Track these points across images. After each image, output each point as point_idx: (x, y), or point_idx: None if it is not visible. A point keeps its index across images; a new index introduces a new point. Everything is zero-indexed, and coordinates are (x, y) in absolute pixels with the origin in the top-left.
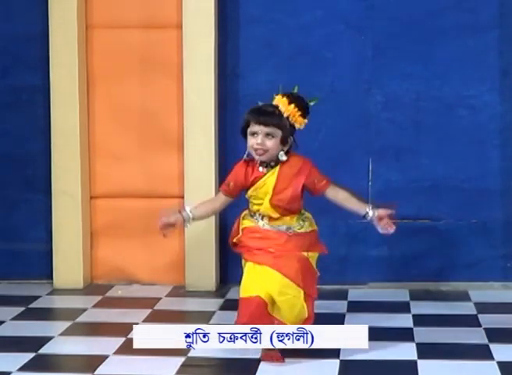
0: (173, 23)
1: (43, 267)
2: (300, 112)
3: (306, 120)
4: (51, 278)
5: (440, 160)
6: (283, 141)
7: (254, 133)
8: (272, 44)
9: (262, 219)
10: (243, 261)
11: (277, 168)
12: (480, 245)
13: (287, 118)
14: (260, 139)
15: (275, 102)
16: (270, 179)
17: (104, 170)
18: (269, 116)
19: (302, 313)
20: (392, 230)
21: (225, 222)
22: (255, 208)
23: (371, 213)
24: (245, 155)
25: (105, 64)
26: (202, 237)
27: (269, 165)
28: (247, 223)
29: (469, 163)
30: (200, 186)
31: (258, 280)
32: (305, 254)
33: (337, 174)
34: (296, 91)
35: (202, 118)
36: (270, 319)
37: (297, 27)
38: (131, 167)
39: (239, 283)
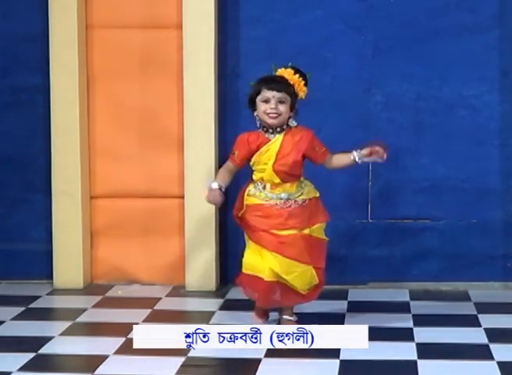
0: (173, 23)
1: (43, 267)
2: (303, 81)
3: (306, 90)
4: (51, 278)
5: (440, 160)
6: (292, 108)
7: (266, 100)
8: (272, 44)
9: (264, 188)
10: (245, 235)
11: (281, 135)
12: (480, 245)
13: (293, 86)
14: (273, 104)
15: (279, 73)
16: (274, 144)
17: (104, 170)
18: (280, 83)
19: (312, 282)
20: (384, 156)
21: (226, 222)
22: (258, 175)
23: (357, 157)
24: (258, 127)
25: (105, 64)
26: (202, 237)
27: (275, 131)
28: (250, 199)
29: (469, 163)
30: (200, 186)
31: (263, 262)
32: (307, 231)
33: (337, 174)
34: (291, 64)
35: (202, 118)
36: (284, 291)
37: (297, 27)
38: (131, 167)
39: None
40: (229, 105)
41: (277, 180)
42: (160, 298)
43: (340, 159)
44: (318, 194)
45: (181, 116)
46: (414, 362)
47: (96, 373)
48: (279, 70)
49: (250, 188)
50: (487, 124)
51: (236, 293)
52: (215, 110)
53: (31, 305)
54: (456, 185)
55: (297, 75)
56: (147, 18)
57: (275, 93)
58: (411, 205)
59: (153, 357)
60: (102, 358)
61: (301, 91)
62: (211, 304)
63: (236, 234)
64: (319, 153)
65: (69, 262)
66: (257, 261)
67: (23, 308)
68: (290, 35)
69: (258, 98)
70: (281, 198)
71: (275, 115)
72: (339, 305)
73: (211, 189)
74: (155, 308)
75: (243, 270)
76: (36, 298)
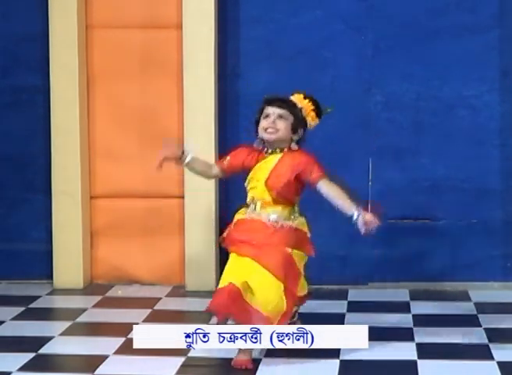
0: (173, 23)
1: (43, 267)
2: (313, 107)
3: (318, 120)
4: (51, 278)
5: (440, 160)
6: (294, 129)
7: (266, 116)
8: (272, 44)
9: (255, 208)
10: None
11: (280, 154)
12: (480, 245)
13: (300, 110)
14: (272, 119)
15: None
16: (270, 162)
17: (104, 170)
18: (283, 101)
19: (280, 306)
20: (372, 230)
21: (225, 222)
22: (250, 195)
23: (356, 217)
24: (256, 143)
25: (105, 64)
26: (202, 237)
27: (274, 151)
28: (238, 216)
29: (469, 163)
30: (200, 186)
31: (237, 269)
32: (289, 250)
33: (337, 174)
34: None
35: (202, 118)
36: (243, 306)
37: (297, 27)
38: (131, 167)
39: None
40: (229, 105)
41: (268, 198)
42: (160, 298)
43: (339, 201)
44: (307, 230)
45: (181, 116)
46: (414, 362)
47: (96, 373)
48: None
49: (241, 210)
50: (487, 124)
51: None
52: (215, 110)
53: (31, 305)
54: (456, 185)
55: (307, 100)
56: (147, 18)
57: (275, 109)
58: (411, 205)
59: (153, 357)
60: (102, 358)
61: (309, 116)
62: None
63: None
64: (312, 177)
65: (69, 262)
66: (230, 270)
67: (23, 308)
68: (290, 35)
69: (261, 122)
70: (269, 219)
71: (272, 130)
72: (339, 305)
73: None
74: (155, 308)
75: (218, 286)
76: (36, 298)
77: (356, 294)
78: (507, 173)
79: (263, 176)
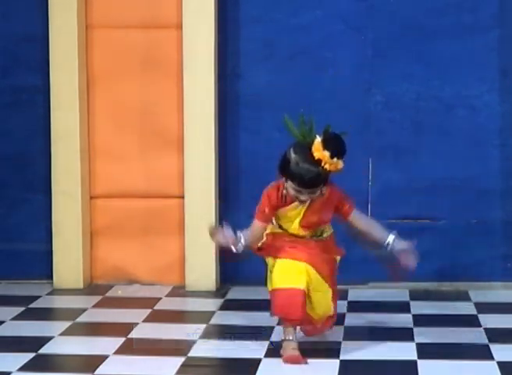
0: (173, 23)
1: (43, 267)
2: (340, 161)
3: (341, 163)
4: (51, 278)
5: (440, 160)
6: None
7: (298, 191)
8: (272, 44)
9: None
10: (268, 260)
11: None
12: (480, 245)
13: (327, 168)
14: (305, 196)
15: (316, 153)
16: (302, 207)
17: (104, 170)
18: (315, 185)
19: (328, 311)
20: (413, 265)
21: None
22: (284, 226)
23: (391, 243)
24: (279, 183)
25: (105, 64)
26: (202, 237)
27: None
28: (272, 229)
29: (469, 163)
30: (200, 186)
31: (297, 273)
32: (337, 257)
33: (337, 174)
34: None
35: (202, 118)
36: (306, 312)
37: (297, 27)
38: (131, 167)
39: (239, 283)
40: (229, 105)
41: (303, 234)
42: (160, 298)
43: (373, 231)
44: (332, 232)
45: (181, 116)
46: (414, 362)
47: (96, 373)
48: (317, 148)
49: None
50: (487, 124)
51: (236, 293)
52: (215, 110)
53: (31, 305)
54: (456, 185)
55: (335, 158)
56: (147, 18)
57: (308, 195)
58: (411, 205)
59: (153, 357)
60: (102, 358)
61: (336, 168)
62: (211, 304)
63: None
64: (343, 210)
65: (69, 262)
66: (291, 272)
67: (23, 308)
68: (290, 35)
69: (290, 184)
70: (304, 236)
71: (305, 202)
72: (339, 305)
73: (236, 241)
74: (155, 308)
75: (274, 286)
76: (36, 298)
77: (356, 294)
78: (507, 173)
79: (296, 217)
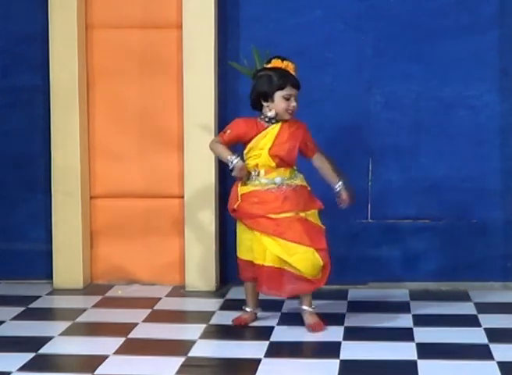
0: (173, 23)
1: (43, 267)
2: (295, 68)
3: None
4: (51, 278)
5: (440, 160)
6: None
7: (288, 98)
8: (272, 44)
9: (258, 174)
10: (238, 223)
11: (279, 124)
12: (480, 245)
13: None
14: (293, 101)
15: (279, 65)
16: (272, 131)
17: (104, 170)
18: (298, 83)
19: (316, 263)
20: (344, 206)
21: (226, 222)
22: (253, 162)
23: (338, 190)
24: (264, 116)
25: (105, 64)
26: (202, 237)
27: (270, 121)
28: (245, 189)
29: (469, 163)
30: (200, 186)
31: (262, 247)
32: (303, 214)
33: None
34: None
35: (202, 118)
36: (288, 278)
37: (297, 27)
38: (131, 167)
39: (239, 283)
40: (229, 105)
41: (272, 164)
42: (160, 298)
43: (327, 175)
44: (307, 186)
45: (181, 115)
46: (414, 362)
47: (96, 373)
48: (276, 62)
49: (240, 183)
50: (487, 124)
51: (236, 293)
52: (215, 110)
53: (31, 305)
54: (456, 185)
55: (292, 65)
56: (147, 18)
57: (295, 91)
58: (411, 205)
59: (153, 357)
60: (102, 358)
61: (294, 71)
62: (211, 304)
63: (236, 234)
64: (309, 148)
65: (68, 262)
66: (259, 248)
67: (22, 308)
68: (290, 35)
69: (279, 94)
70: (275, 183)
71: (292, 112)
72: (339, 305)
73: (236, 166)
74: (155, 308)
75: (242, 256)
76: (36, 298)
77: (356, 294)
78: (507, 173)
79: (266, 144)
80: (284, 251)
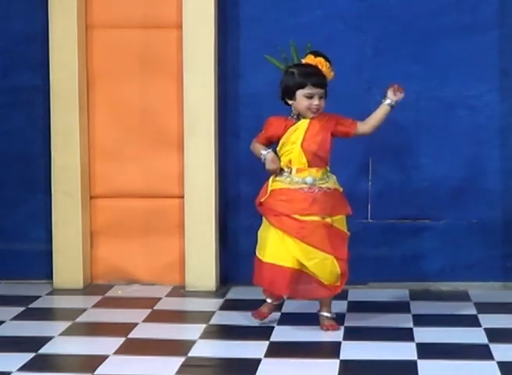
0: (173, 23)
1: (43, 267)
2: (330, 67)
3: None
4: (51, 278)
5: (440, 160)
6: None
7: (310, 96)
8: (272, 44)
9: (291, 172)
10: (264, 219)
11: (308, 119)
12: (480, 245)
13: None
14: (317, 100)
15: (310, 61)
16: (302, 124)
17: (104, 170)
18: (322, 78)
19: (334, 271)
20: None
21: (225, 222)
22: (285, 159)
23: (389, 100)
24: (291, 115)
25: (105, 64)
26: (202, 237)
27: (298, 118)
28: (275, 185)
29: (469, 163)
30: (201, 186)
31: (284, 248)
32: (329, 220)
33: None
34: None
35: (202, 118)
36: (307, 280)
37: (297, 27)
38: (131, 167)
39: (239, 283)
40: (229, 105)
41: (304, 160)
42: (160, 298)
43: (376, 116)
44: (341, 189)
45: (181, 116)
46: (414, 362)
47: (96, 373)
48: (309, 58)
49: (275, 178)
50: (487, 124)
51: (236, 293)
52: (215, 110)
53: (31, 305)
54: (456, 185)
55: (328, 64)
56: (147, 18)
57: (318, 90)
58: (411, 205)
59: (153, 357)
60: (102, 358)
61: (330, 76)
62: (211, 304)
63: (236, 234)
64: (347, 125)
65: (68, 262)
66: (281, 249)
67: (23, 308)
68: (290, 35)
69: (301, 92)
70: (306, 183)
71: (316, 111)
72: (339, 305)
73: (267, 157)
74: (155, 308)
75: (264, 259)
76: (36, 298)
77: (356, 294)
78: (507, 173)
79: (298, 138)
80: (303, 254)
